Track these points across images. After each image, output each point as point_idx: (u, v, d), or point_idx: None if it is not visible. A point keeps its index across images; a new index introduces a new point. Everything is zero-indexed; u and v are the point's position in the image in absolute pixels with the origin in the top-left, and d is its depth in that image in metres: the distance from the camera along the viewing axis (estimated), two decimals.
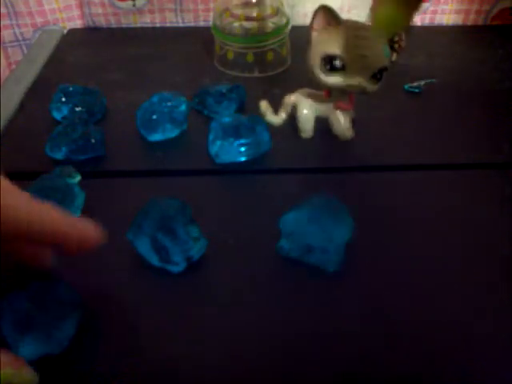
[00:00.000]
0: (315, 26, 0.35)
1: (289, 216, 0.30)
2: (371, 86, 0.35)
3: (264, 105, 0.41)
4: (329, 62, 0.34)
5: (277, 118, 0.41)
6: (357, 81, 0.34)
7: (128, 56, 0.53)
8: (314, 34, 0.35)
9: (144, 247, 0.29)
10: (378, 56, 0.33)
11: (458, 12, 0.59)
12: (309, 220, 0.29)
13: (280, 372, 0.25)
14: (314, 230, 0.29)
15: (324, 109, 0.39)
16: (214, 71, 0.51)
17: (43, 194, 0.32)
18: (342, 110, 0.38)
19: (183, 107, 0.40)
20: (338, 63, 0.34)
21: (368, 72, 0.34)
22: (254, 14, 0.49)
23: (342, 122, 0.39)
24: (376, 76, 0.34)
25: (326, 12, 0.34)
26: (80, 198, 0.33)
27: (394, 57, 0.34)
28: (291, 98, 0.40)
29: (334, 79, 0.35)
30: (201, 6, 0.58)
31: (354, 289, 0.29)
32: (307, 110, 0.39)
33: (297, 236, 0.29)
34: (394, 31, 0.32)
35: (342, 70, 0.34)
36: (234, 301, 0.28)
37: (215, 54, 0.51)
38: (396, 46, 0.34)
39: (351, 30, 0.33)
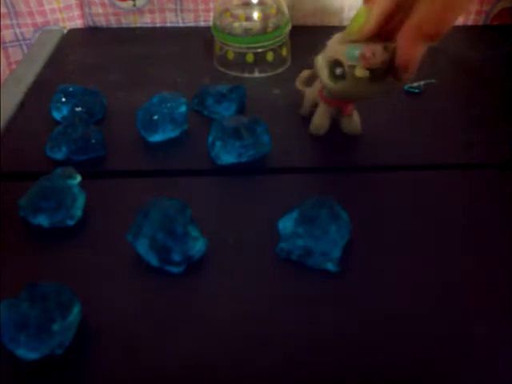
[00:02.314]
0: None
1: (286, 219, 0.30)
2: (324, 77, 0.34)
3: (305, 73, 0.42)
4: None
5: (303, 87, 0.42)
6: (317, 57, 0.34)
7: (128, 56, 0.53)
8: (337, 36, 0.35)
9: (144, 248, 0.29)
10: (340, 47, 0.33)
11: None
12: (307, 222, 0.29)
13: (280, 372, 0.25)
14: (312, 232, 0.29)
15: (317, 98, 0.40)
16: (214, 71, 0.51)
17: (43, 194, 0.32)
18: (323, 101, 0.38)
19: (183, 108, 0.40)
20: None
21: (327, 55, 0.34)
22: (255, 14, 0.49)
23: (319, 115, 0.39)
24: (335, 71, 0.33)
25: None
26: (80, 199, 0.33)
27: (358, 69, 0.32)
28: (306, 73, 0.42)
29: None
30: (201, 6, 0.58)
31: (353, 289, 0.29)
32: (311, 91, 0.40)
33: (295, 238, 0.29)
34: (357, 24, 0.31)
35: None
36: (234, 301, 0.28)
37: (215, 54, 0.51)
38: (360, 54, 0.32)
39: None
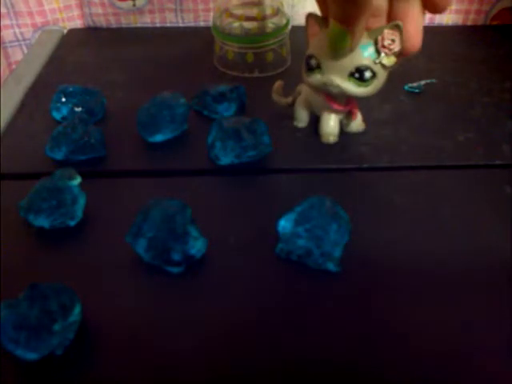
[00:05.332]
0: (309, 33, 0.35)
1: (286, 219, 0.30)
2: (353, 89, 0.34)
3: (277, 84, 0.42)
4: (307, 63, 0.35)
5: (283, 100, 0.42)
6: (331, 79, 0.34)
7: (128, 56, 0.53)
8: (310, 41, 0.36)
9: (144, 248, 0.29)
10: (353, 54, 0.32)
11: (457, 12, 0.59)
12: (306, 222, 0.29)
13: (280, 372, 0.25)
14: (312, 232, 0.29)
15: (317, 106, 0.39)
16: (214, 71, 0.51)
17: (44, 195, 0.32)
18: (332, 108, 0.38)
19: (183, 108, 0.40)
20: (312, 62, 0.34)
21: (343, 70, 0.33)
22: (254, 14, 0.49)
23: (328, 123, 0.39)
24: (354, 75, 0.33)
25: (314, 18, 0.34)
26: (81, 200, 0.33)
27: (386, 60, 0.32)
28: (301, 88, 0.41)
29: (312, 78, 0.35)
30: (201, 6, 0.58)
31: (353, 289, 0.29)
32: (303, 101, 0.40)
33: (295, 239, 0.29)
34: (344, 47, 0.31)
35: (318, 68, 0.34)
36: (234, 301, 0.28)
37: (215, 54, 0.51)
38: (379, 47, 0.32)
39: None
